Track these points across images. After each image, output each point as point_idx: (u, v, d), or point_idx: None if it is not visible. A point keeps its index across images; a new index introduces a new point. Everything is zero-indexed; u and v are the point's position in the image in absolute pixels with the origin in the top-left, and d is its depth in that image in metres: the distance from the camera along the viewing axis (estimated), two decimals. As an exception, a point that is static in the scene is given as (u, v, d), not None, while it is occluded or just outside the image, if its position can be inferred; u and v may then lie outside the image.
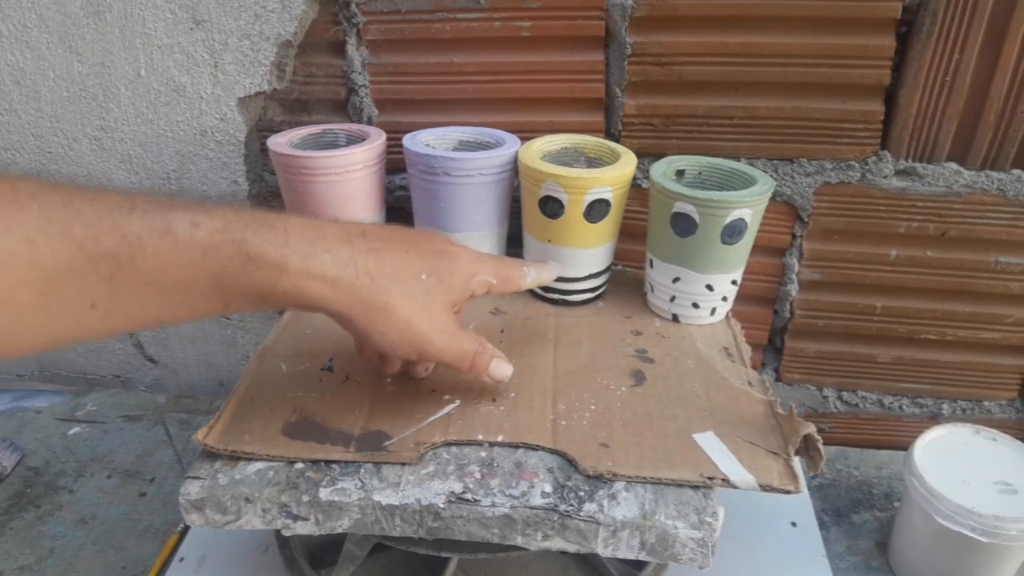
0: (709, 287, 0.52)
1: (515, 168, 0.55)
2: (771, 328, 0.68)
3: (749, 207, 0.48)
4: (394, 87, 0.62)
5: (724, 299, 0.53)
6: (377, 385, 0.47)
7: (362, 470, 0.41)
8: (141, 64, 0.64)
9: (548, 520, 0.38)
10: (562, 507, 0.38)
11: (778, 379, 0.70)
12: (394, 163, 0.61)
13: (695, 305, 0.53)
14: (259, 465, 0.41)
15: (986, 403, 0.68)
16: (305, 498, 0.39)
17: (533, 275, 0.47)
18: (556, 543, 0.39)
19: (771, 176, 0.55)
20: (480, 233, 0.57)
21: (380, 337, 0.38)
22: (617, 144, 0.56)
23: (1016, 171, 0.57)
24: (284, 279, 0.35)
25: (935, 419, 0.69)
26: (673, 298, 0.54)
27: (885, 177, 0.58)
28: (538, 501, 0.39)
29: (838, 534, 0.60)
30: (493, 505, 0.39)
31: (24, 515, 0.65)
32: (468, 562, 0.51)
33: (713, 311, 0.54)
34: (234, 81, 0.63)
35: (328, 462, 0.41)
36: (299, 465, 0.41)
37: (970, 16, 0.52)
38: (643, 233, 0.55)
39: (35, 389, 0.84)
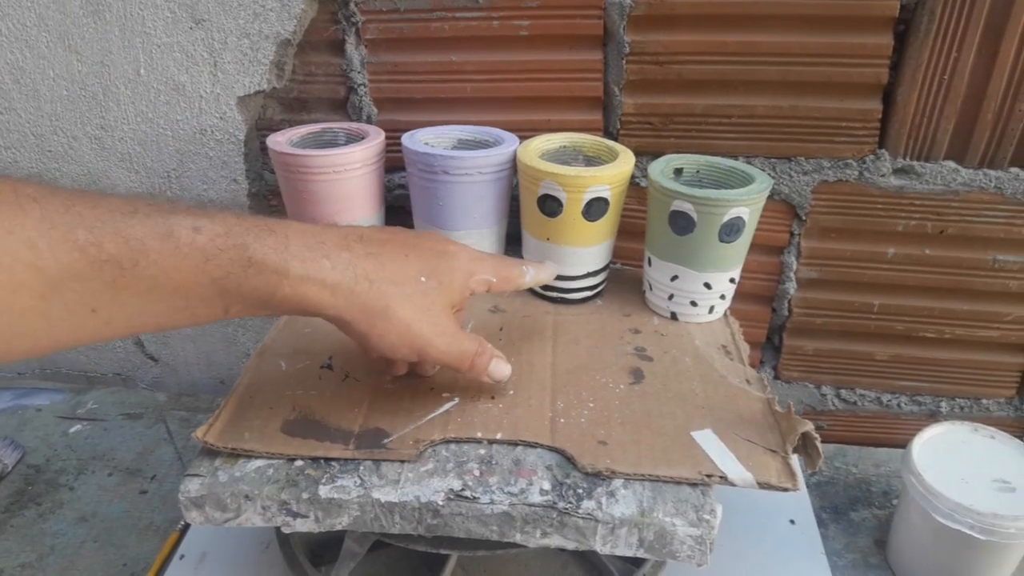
0: (707, 285, 0.52)
1: (514, 167, 0.55)
2: (769, 326, 0.68)
3: (747, 205, 0.48)
4: (393, 86, 0.62)
5: (722, 297, 0.54)
6: (376, 383, 0.48)
7: (361, 467, 0.41)
8: (141, 63, 0.64)
9: (547, 517, 0.38)
10: (560, 504, 0.38)
11: (776, 377, 0.71)
12: (393, 162, 0.61)
13: (693, 303, 0.53)
14: (259, 463, 0.42)
15: (984, 401, 0.68)
16: (305, 495, 0.40)
17: (532, 274, 0.47)
18: (555, 540, 0.39)
19: (769, 174, 0.55)
20: (479, 231, 0.57)
21: (380, 340, 0.38)
22: (615, 143, 0.56)
23: (1014, 169, 0.57)
24: (284, 284, 0.35)
25: (933, 417, 0.69)
26: (671, 296, 0.54)
27: (883, 175, 0.58)
28: (537, 499, 0.39)
29: (836, 532, 0.60)
30: (492, 502, 0.39)
31: (25, 513, 0.65)
32: (467, 559, 0.51)
33: (711, 309, 0.54)
34: (233, 80, 0.63)
35: (327, 459, 0.42)
36: (299, 462, 0.41)
37: (968, 15, 0.52)
38: (641, 231, 0.55)
39: (36, 387, 0.84)
